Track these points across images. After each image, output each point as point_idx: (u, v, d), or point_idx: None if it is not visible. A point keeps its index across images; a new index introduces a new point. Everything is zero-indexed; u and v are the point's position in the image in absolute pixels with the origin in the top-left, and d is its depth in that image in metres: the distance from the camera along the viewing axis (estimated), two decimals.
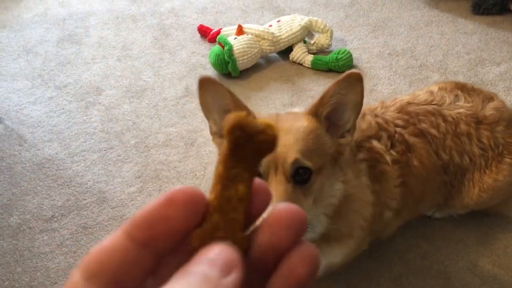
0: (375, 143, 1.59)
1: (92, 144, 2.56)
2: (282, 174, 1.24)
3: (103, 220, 2.21)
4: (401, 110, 1.73)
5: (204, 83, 1.32)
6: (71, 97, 2.84)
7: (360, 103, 1.31)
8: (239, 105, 1.32)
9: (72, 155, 2.51)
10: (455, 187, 1.80)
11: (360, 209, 1.52)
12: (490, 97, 1.88)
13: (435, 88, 1.94)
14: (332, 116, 1.33)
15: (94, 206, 2.27)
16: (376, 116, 1.68)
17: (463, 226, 2.04)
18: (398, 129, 1.67)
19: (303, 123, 1.30)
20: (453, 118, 1.74)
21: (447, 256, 1.96)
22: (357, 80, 1.26)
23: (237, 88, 2.77)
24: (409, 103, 1.76)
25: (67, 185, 2.37)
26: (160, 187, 2.33)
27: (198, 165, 2.42)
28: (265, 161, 1.25)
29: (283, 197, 1.22)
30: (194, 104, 2.73)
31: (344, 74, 1.26)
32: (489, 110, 1.81)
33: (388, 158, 1.60)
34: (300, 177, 1.26)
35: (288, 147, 1.25)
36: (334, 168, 1.36)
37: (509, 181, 1.82)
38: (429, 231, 2.00)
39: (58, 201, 2.30)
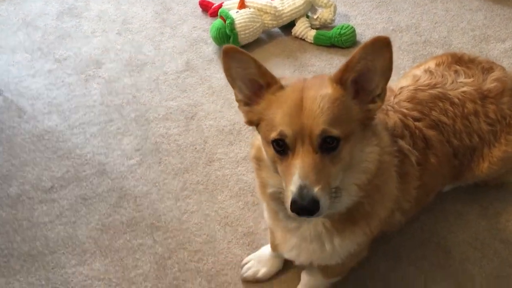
0: (401, 142, 1.56)
1: (92, 117, 2.54)
2: (310, 144, 1.23)
3: (102, 192, 2.20)
4: (412, 99, 1.70)
5: (229, 52, 1.30)
6: (71, 70, 2.81)
7: (389, 69, 1.25)
8: (264, 74, 1.30)
9: (71, 127, 2.50)
10: (464, 165, 1.78)
11: (390, 182, 1.48)
12: (489, 67, 1.85)
13: (432, 65, 1.90)
14: (360, 81, 1.28)
15: (94, 178, 2.26)
16: (394, 110, 1.65)
17: (464, 200, 2.02)
18: (416, 124, 1.64)
19: (328, 91, 1.26)
20: (459, 99, 1.72)
21: (447, 230, 1.95)
22: (385, 45, 1.20)
23: None
24: (416, 90, 1.73)
25: (67, 156, 2.36)
26: (160, 160, 2.32)
27: (198, 138, 2.40)
28: (291, 132, 1.23)
29: (310, 168, 1.22)
30: (195, 78, 2.70)
31: (371, 39, 1.19)
32: (491, 82, 1.79)
33: (413, 159, 1.57)
34: (328, 146, 1.24)
35: (314, 117, 1.22)
36: (365, 132, 1.33)
37: None
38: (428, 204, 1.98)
39: (58, 172, 2.29)
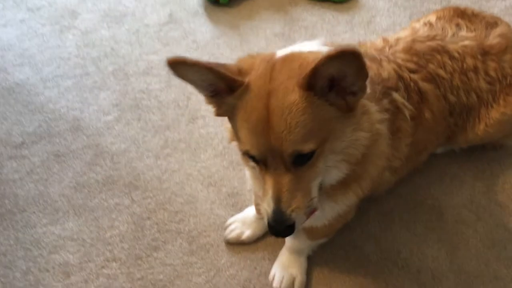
0: (395, 95, 1.42)
1: (67, 70, 2.37)
2: (281, 163, 1.13)
3: (77, 149, 2.06)
4: (409, 50, 1.56)
5: (174, 65, 1.09)
6: (45, 20, 2.61)
7: (362, 73, 1.07)
8: (224, 79, 1.11)
9: (44, 80, 2.33)
10: (459, 126, 1.67)
11: (382, 141, 1.34)
12: (493, 22, 1.73)
13: (433, 18, 1.77)
14: (334, 79, 1.10)
15: (68, 134, 2.11)
16: (389, 60, 1.51)
17: (460, 162, 1.93)
18: (412, 76, 1.51)
19: (295, 98, 1.09)
20: (458, 53, 1.59)
21: (442, 192, 1.86)
22: (354, 58, 1.00)
23: (226, 17, 2.57)
24: (413, 41, 1.60)
25: (39, 111, 2.20)
26: (139, 116, 2.17)
27: (181, 94, 2.25)
28: (259, 154, 1.13)
29: (284, 189, 1.14)
30: (178, 31, 2.53)
31: (336, 50, 0.98)
32: (494, 37, 1.67)
33: (406, 113, 1.44)
34: (301, 160, 1.13)
35: (283, 138, 1.09)
36: (347, 120, 1.17)
37: None
38: (422, 165, 1.88)
39: (29, 127, 2.13)
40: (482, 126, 1.69)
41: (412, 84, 1.50)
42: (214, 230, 1.81)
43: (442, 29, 1.67)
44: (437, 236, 1.75)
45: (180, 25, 2.57)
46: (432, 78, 1.55)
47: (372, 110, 1.28)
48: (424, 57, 1.57)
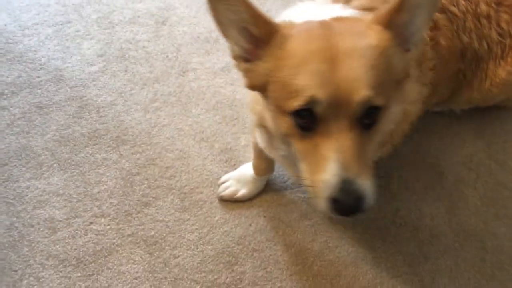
0: None
1: (47, 17, 2.21)
2: (346, 117, 0.96)
3: (60, 100, 1.94)
4: None
5: None
6: None
7: (436, 4, 1.01)
8: (259, 20, 1.00)
9: (23, 27, 2.17)
10: (467, 78, 1.61)
11: (408, 120, 1.30)
12: None
13: None
14: (401, 23, 1.02)
15: (50, 85, 1.99)
16: None
17: (460, 121, 1.88)
18: None
19: (372, 40, 0.97)
20: None
21: (442, 150, 1.82)
22: None
23: None
24: None
25: (18, 60, 2.05)
26: (126, 67, 2.05)
27: (170, 46, 2.13)
28: (326, 98, 0.94)
29: (351, 153, 0.96)
30: None
31: None
32: None
33: (425, 35, 1.36)
34: (368, 120, 0.98)
35: (355, 79, 0.93)
36: (397, 93, 1.07)
37: None
38: (422, 123, 1.82)
39: (8, 77, 2.00)
40: (487, 85, 1.63)
41: None
42: (207, 186, 1.74)
43: None
44: (436, 195, 1.72)
45: None
46: (443, 10, 1.47)
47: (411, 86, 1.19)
48: None
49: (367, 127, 1.00)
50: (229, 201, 1.70)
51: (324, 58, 0.95)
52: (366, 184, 0.98)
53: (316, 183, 1.00)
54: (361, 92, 0.94)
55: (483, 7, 1.52)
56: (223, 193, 1.70)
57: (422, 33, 1.05)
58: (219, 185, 1.72)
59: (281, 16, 1.27)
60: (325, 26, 1.03)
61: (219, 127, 1.89)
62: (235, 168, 1.77)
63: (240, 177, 1.71)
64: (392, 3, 1.00)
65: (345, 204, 0.97)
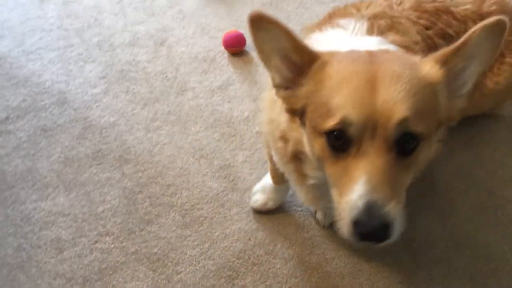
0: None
1: (49, 42, 2.30)
2: (382, 139, 0.92)
3: (64, 122, 2.02)
4: (418, 8, 1.54)
5: (256, 21, 0.98)
6: None
7: (492, 58, 1.01)
8: (299, 47, 1.02)
9: (27, 52, 2.25)
10: None
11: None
12: None
13: None
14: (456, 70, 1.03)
15: (54, 108, 2.06)
16: (403, 17, 1.48)
17: (450, 130, 1.93)
18: (427, 32, 1.49)
19: (421, 71, 0.98)
20: (461, 16, 1.59)
21: (432, 160, 1.87)
22: (502, 30, 0.96)
23: None
24: (419, 1, 1.58)
25: (22, 85, 2.13)
26: (127, 88, 2.13)
27: (169, 66, 2.21)
28: (360, 118, 0.91)
29: (383, 175, 0.91)
30: (163, 1, 2.47)
31: (491, 20, 0.96)
32: (490, 5, 1.65)
33: None
34: (405, 146, 0.94)
35: (395, 100, 0.91)
36: (437, 131, 1.06)
37: (509, 83, 1.72)
38: None
39: (13, 101, 2.08)
40: (477, 95, 1.69)
41: (429, 41, 1.49)
42: (207, 202, 1.80)
43: None
44: (429, 204, 1.77)
45: None
46: (443, 35, 1.54)
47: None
48: (433, 16, 1.56)
49: (404, 154, 0.96)
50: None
51: (364, 79, 0.94)
52: (394, 211, 0.92)
53: (342, 205, 0.95)
54: (399, 114, 0.91)
55: (471, 25, 1.58)
56: (255, 205, 1.76)
57: (472, 85, 1.04)
58: (250, 197, 1.79)
59: (310, 39, 1.33)
60: (371, 53, 1.03)
61: (218, 144, 1.95)
62: (234, 184, 1.84)
63: (264, 188, 1.76)
64: (450, 46, 1.01)
65: (369, 227, 0.91)
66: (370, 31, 1.33)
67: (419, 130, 0.94)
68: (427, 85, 0.97)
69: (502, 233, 1.70)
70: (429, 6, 1.56)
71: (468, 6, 1.61)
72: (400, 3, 1.56)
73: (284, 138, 1.25)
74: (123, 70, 2.19)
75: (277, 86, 1.09)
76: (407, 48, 1.31)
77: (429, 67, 0.99)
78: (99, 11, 2.42)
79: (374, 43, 1.24)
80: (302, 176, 1.27)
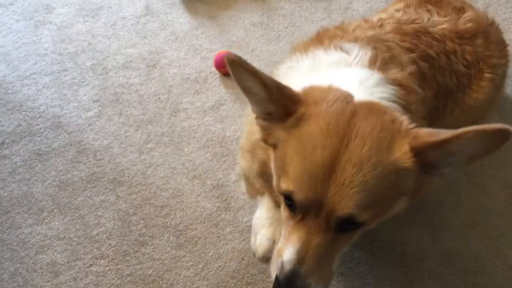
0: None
1: (44, 66, 2.33)
2: (325, 220, 0.96)
3: (59, 146, 2.04)
4: (399, 31, 1.56)
5: (233, 64, 0.99)
6: (18, 16, 2.56)
7: (479, 159, 0.97)
8: (278, 99, 1.01)
9: (21, 78, 2.29)
10: (440, 111, 1.69)
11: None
12: (460, 7, 1.75)
13: (400, 6, 1.77)
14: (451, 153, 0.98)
15: (49, 132, 2.09)
16: (390, 41, 1.48)
17: None
18: (411, 55, 1.49)
19: (392, 155, 0.93)
20: (439, 36, 1.62)
21: None
22: (505, 138, 0.89)
23: (203, 8, 2.55)
24: (398, 23, 1.61)
25: (17, 109, 2.16)
26: (120, 111, 2.16)
27: (161, 87, 2.24)
28: (305, 202, 0.96)
29: (314, 252, 0.97)
30: (155, 23, 2.51)
31: (492, 126, 0.89)
32: (465, 22, 1.69)
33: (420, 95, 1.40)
34: (345, 227, 0.99)
35: (346, 195, 0.93)
36: (394, 203, 1.05)
37: (488, 99, 1.75)
38: None
39: (8, 126, 2.10)
40: (457, 112, 1.72)
41: (414, 65, 1.49)
42: (200, 222, 1.83)
43: (417, 14, 1.69)
44: (420, 220, 1.79)
45: (157, 17, 2.54)
46: (425, 57, 1.55)
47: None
48: (414, 38, 1.57)
49: (344, 232, 1.00)
50: (216, 239, 1.76)
51: (327, 159, 0.93)
52: (315, 285, 0.98)
53: (277, 253, 1.04)
54: (345, 210, 0.93)
55: (449, 44, 1.62)
56: (259, 255, 1.60)
57: (448, 171, 1.01)
58: (253, 251, 1.65)
59: (312, 54, 1.33)
60: (348, 118, 0.97)
61: (211, 164, 1.98)
62: (227, 203, 1.86)
63: (257, 230, 1.64)
64: (431, 137, 0.94)
65: None
66: (372, 62, 1.30)
67: (364, 219, 0.96)
68: (393, 171, 0.95)
69: (492, 246, 1.72)
70: (409, 28, 1.59)
71: (444, 26, 1.64)
72: (381, 25, 1.60)
73: (252, 153, 1.27)
74: (116, 93, 2.22)
75: (256, 116, 1.12)
76: (405, 88, 1.28)
77: (401, 153, 0.95)
78: (92, 35, 2.46)
79: (372, 82, 1.20)
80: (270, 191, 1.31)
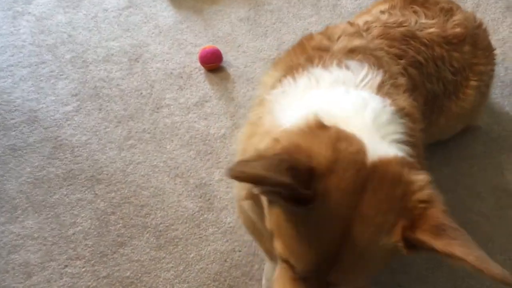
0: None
1: (21, 58, 2.24)
2: (323, 284, 0.95)
3: (34, 142, 1.96)
4: (386, 36, 1.46)
5: (237, 178, 0.85)
6: None
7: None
8: (287, 186, 0.87)
9: None
10: (425, 116, 1.64)
11: None
12: (449, 8, 1.68)
13: (384, 7, 1.67)
14: None
15: (24, 126, 2.00)
16: (378, 48, 1.39)
17: (427, 148, 1.93)
18: (401, 61, 1.41)
19: (390, 242, 0.90)
20: (427, 41, 1.54)
21: None
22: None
23: (189, 2, 2.48)
24: (385, 27, 1.51)
25: None
26: (100, 106, 2.08)
27: (144, 82, 2.16)
28: (307, 270, 0.93)
29: None
30: (139, 16, 2.43)
31: (494, 272, 0.81)
32: (453, 26, 1.62)
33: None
34: None
35: (347, 274, 0.93)
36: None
37: (474, 107, 1.71)
38: None
39: None
40: (443, 119, 1.67)
41: (403, 71, 1.41)
42: (182, 223, 1.76)
43: (403, 16, 1.61)
44: None
45: (140, 10, 2.46)
46: (415, 64, 1.47)
47: None
48: (402, 43, 1.49)
49: None
50: (201, 237, 1.71)
51: (328, 242, 0.90)
52: None
53: None
54: (342, 285, 0.95)
55: (437, 50, 1.55)
56: None
57: None
58: None
59: (309, 73, 1.21)
60: (357, 198, 0.91)
61: (194, 162, 1.91)
62: (210, 203, 1.80)
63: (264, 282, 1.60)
64: (433, 232, 0.89)
65: None
66: (380, 88, 1.19)
67: (358, 286, 0.98)
68: (391, 252, 0.91)
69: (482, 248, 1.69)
70: (396, 32, 1.50)
71: (432, 30, 1.57)
72: (368, 29, 1.51)
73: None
74: (96, 87, 2.14)
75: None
76: (411, 118, 1.19)
77: (398, 239, 0.89)
78: (73, 27, 2.37)
79: (385, 119, 1.09)
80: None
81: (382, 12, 1.64)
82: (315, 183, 0.89)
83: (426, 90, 1.54)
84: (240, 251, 1.70)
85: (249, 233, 1.48)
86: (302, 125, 1.00)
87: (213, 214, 1.78)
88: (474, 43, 1.67)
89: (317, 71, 1.23)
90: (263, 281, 1.61)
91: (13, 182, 1.84)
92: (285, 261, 0.99)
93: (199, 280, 1.63)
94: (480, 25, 1.74)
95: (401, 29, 1.53)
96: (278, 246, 0.98)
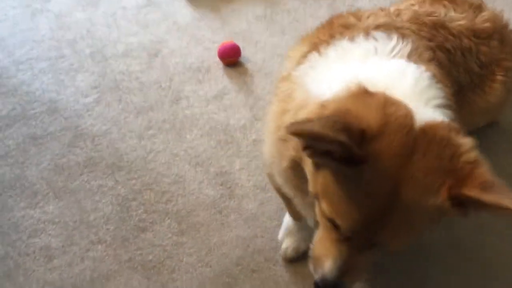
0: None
1: (40, 52, 2.26)
2: (363, 241, 0.99)
3: (55, 131, 1.96)
4: (417, 20, 1.47)
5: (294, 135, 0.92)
6: (15, 3, 2.49)
7: None
8: (341, 143, 0.89)
9: (17, 63, 2.21)
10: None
11: None
12: (478, 5, 1.71)
13: (414, 1, 1.71)
14: None
15: (44, 116, 2.01)
16: (405, 28, 1.40)
17: None
18: (429, 44, 1.40)
19: (437, 202, 0.91)
20: (456, 32, 1.56)
21: None
22: None
23: (206, 1, 2.51)
24: (416, 13, 1.54)
25: (12, 94, 2.08)
26: (120, 97, 2.09)
27: (163, 76, 2.18)
28: (354, 230, 0.96)
29: (354, 267, 1.05)
30: (157, 14, 2.46)
31: None
32: (483, 22, 1.64)
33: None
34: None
35: (395, 235, 0.96)
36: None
37: (499, 102, 1.71)
38: None
39: (2, 110, 2.02)
40: (464, 112, 1.66)
41: (431, 51, 1.38)
42: (203, 209, 1.74)
43: (433, 8, 1.63)
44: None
45: (159, 8, 2.49)
46: (443, 48, 1.47)
47: None
48: (432, 29, 1.49)
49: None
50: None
51: (378, 204, 0.92)
52: (349, 285, 1.09)
53: (317, 259, 1.10)
54: (392, 248, 0.99)
55: (465, 41, 1.56)
56: (287, 256, 1.61)
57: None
58: (280, 249, 1.64)
59: (335, 46, 1.23)
60: (406, 161, 0.92)
61: (214, 151, 1.91)
62: (232, 191, 1.78)
63: (289, 231, 1.63)
64: (481, 187, 0.88)
65: None
66: (411, 57, 1.21)
67: (403, 248, 1.00)
68: (437, 212, 0.93)
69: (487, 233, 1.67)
70: (427, 19, 1.51)
71: (461, 22, 1.58)
72: (398, 14, 1.52)
73: (284, 139, 1.20)
74: (116, 80, 2.15)
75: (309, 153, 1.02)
76: (443, 83, 1.21)
77: (446, 200, 0.91)
78: (91, 23, 2.40)
79: (425, 84, 1.11)
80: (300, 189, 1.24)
81: (412, 5, 1.66)
82: (366, 144, 0.90)
83: (453, 78, 1.54)
84: (262, 237, 1.68)
85: (279, 196, 1.53)
86: (346, 93, 1.01)
87: (234, 201, 1.77)
88: (502, 40, 1.67)
89: (344, 43, 1.24)
90: (280, 235, 1.65)
91: (33, 169, 1.83)
92: (331, 221, 1.00)
93: (222, 264, 1.61)
94: (506, 25, 1.75)
95: (432, 18, 1.54)
96: (325, 207, 0.99)
